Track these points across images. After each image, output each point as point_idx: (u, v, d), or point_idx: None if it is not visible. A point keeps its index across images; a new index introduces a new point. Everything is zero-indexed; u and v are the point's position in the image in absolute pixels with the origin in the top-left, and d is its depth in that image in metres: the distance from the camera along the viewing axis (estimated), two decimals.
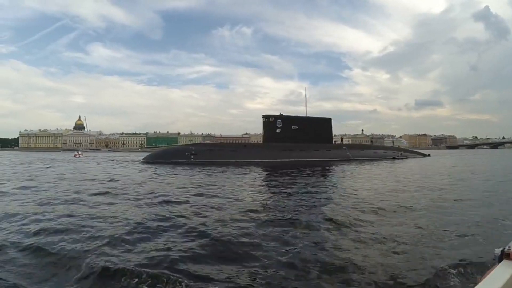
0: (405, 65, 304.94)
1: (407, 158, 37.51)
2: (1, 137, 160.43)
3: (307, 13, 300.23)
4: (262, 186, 12.14)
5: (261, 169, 19.87)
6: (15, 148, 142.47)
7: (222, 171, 18.10)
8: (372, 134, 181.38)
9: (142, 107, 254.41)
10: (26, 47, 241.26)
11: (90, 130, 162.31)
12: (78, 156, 47.36)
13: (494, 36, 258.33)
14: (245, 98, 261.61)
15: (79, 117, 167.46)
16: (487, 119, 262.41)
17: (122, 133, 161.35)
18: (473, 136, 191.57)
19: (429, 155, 44.37)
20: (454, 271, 3.56)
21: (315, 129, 33.04)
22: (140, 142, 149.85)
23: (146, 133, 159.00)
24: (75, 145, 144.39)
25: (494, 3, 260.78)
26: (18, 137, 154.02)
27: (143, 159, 30.51)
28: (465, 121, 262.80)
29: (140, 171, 18.89)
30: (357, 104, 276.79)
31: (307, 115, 35.79)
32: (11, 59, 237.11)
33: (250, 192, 9.89)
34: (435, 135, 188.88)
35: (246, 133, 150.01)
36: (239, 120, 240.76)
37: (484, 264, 3.47)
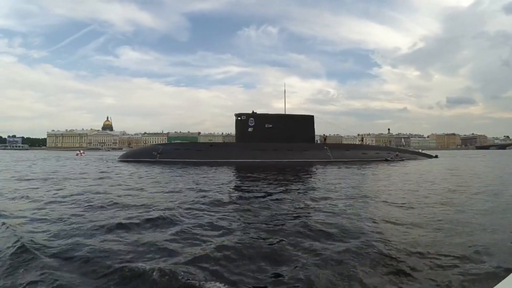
0: (435, 61, 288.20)
1: (402, 160, 33.44)
2: (33, 137, 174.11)
3: (332, 10, 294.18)
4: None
5: (210, 169, 19.02)
6: (42, 147, 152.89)
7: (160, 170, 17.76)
8: (399, 133, 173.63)
9: (170, 107, 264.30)
10: (57, 51, 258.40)
11: (114, 130, 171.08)
12: (80, 155, 49.58)
13: None
14: (272, 97, 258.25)
15: (107, 118, 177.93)
16: None
17: (145, 133, 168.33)
18: (505, 136, 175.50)
19: (436, 156, 38.44)
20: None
21: (293, 128, 30.96)
22: (161, 142, 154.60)
23: (167, 133, 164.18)
24: (100, 145, 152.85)
25: None
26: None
27: (118, 158, 31.19)
28: (497, 119, 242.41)
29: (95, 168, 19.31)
30: (386, 103, 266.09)
31: (291, 114, 34.24)
32: (42, 64, 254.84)
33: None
34: (464, 135, 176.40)
35: None
36: None
37: None
